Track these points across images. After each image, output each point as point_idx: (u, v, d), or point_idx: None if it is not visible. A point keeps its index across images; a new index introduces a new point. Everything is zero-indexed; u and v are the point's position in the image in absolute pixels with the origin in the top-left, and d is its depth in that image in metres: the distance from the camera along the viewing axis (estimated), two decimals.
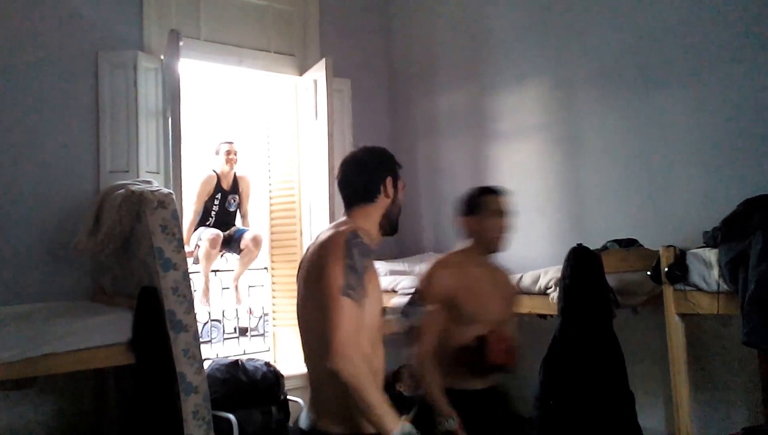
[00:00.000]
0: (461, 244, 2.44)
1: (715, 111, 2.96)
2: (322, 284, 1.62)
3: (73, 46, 3.51)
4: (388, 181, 1.84)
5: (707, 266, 2.37)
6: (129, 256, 2.95)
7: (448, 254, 2.46)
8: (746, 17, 2.84)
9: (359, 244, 1.65)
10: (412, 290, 2.33)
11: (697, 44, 3.01)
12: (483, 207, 2.36)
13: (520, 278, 2.94)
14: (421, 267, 2.45)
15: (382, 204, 1.83)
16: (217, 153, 4.50)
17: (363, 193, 1.83)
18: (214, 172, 4.46)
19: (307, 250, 1.84)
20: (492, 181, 4.00)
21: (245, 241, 4.28)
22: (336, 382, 1.54)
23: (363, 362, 1.57)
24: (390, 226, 1.87)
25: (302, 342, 1.80)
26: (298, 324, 1.81)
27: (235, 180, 4.55)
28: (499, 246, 2.38)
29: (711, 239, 2.43)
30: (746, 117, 2.85)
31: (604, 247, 2.86)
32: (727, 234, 2.35)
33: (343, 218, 1.86)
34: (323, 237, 1.76)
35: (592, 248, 2.64)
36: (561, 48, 3.65)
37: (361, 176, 1.85)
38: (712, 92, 2.96)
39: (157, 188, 3.17)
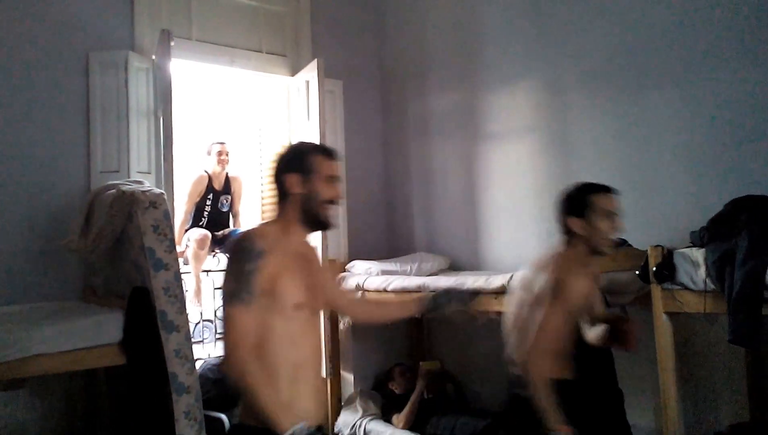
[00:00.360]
0: (566, 242, 2.30)
1: (703, 113, 3.00)
2: None
3: (64, 46, 3.51)
4: (291, 177, 1.86)
5: (694, 266, 2.40)
6: (120, 257, 2.95)
7: (561, 256, 2.27)
8: (734, 20, 2.88)
9: (243, 250, 1.74)
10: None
11: (686, 47, 3.05)
12: (592, 208, 2.22)
13: (511, 277, 2.95)
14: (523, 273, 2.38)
15: (293, 200, 1.86)
16: (209, 153, 4.50)
17: (276, 191, 1.91)
18: (206, 172, 4.45)
19: None
20: (484, 181, 4.06)
21: None
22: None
23: (251, 364, 1.67)
24: (313, 221, 1.89)
25: None
26: None
27: (227, 180, 4.55)
28: (607, 248, 2.26)
29: (698, 239, 2.47)
30: (733, 119, 2.89)
31: None
32: (714, 234, 2.39)
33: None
34: None
35: None
36: (552, 50, 3.68)
37: (274, 175, 1.92)
38: (700, 94, 3.00)
39: (149, 188, 3.16)
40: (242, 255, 1.73)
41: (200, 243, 4.08)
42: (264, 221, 1.96)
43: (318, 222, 1.90)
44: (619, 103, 3.33)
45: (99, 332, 2.61)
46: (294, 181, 1.86)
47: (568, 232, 2.28)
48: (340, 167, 1.95)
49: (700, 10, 3.00)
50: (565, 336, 2.23)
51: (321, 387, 1.94)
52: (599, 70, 3.44)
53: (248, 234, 1.80)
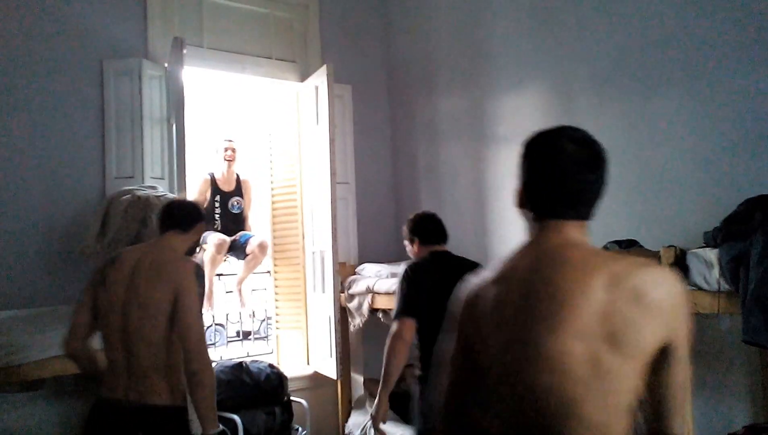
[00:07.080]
0: None
1: (715, 111, 2.96)
2: (183, 305, 2.18)
3: (79, 54, 3.55)
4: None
5: (708, 266, 2.35)
6: None
7: None
8: (744, 19, 2.85)
9: (202, 275, 2.34)
10: None
11: (696, 46, 3.02)
12: None
13: None
14: None
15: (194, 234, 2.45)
16: (217, 151, 4.52)
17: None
18: (210, 174, 4.45)
19: (140, 258, 2.29)
20: (492, 184, 4.05)
21: (251, 246, 4.28)
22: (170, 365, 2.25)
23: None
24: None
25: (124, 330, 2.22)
26: (118, 314, 2.23)
27: (239, 182, 4.54)
28: None
29: (711, 239, 2.41)
30: (745, 117, 2.85)
31: (605, 248, 2.85)
32: (727, 234, 2.33)
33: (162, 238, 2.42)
34: (165, 255, 2.30)
35: None
36: (559, 52, 3.66)
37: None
38: (711, 93, 2.97)
39: (162, 193, 3.21)
40: (201, 279, 2.34)
41: (218, 247, 4.08)
42: (170, 243, 2.44)
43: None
44: (628, 104, 3.31)
45: None
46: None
47: None
48: None
49: (709, 10, 2.97)
50: None
51: None
52: (607, 72, 3.41)
53: (200, 264, 2.56)
